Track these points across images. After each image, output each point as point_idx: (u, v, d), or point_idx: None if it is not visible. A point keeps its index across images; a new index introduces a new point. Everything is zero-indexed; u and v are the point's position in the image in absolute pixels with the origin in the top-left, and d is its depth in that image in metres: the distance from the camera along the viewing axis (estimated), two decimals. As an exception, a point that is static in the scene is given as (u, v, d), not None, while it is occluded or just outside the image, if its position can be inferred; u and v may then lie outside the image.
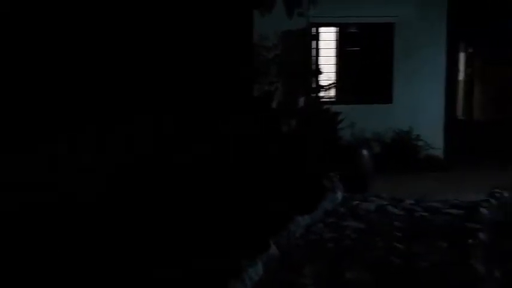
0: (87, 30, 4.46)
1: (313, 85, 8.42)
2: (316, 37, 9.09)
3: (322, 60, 9.22)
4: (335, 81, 9.22)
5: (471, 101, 15.47)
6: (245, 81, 5.64)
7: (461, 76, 15.93)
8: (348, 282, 3.81)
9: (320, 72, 8.59)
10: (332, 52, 9.42)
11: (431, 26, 9.19)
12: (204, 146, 4.60)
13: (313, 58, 9.07)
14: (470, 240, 4.25)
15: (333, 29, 9.33)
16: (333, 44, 9.40)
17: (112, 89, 4.71)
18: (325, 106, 7.81)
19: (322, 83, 9.04)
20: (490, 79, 14.13)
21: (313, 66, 8.88)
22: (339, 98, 9.35)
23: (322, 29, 9.23)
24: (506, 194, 5.81)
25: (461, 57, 15.83)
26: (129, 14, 4.76)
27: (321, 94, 8.89)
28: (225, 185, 4.45)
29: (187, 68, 5.19)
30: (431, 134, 9.09)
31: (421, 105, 9.16)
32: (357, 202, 6.20)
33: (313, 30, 9.00)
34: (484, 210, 5.18)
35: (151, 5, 5.01)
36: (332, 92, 9.31)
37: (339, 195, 6.30)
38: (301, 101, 7.16)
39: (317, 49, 9.10)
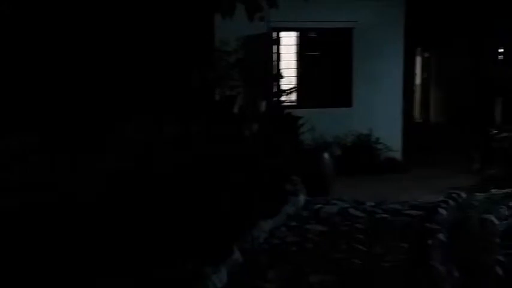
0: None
1: (275, 89, 8.46)
2: (277, 42, 9.14)
3: (283, 65, 9.28)
4: (296, 85, 9.29)
5: (427, 104, 15.92)
6: (206, 86, 5.62)
7: (418, 80, 16.40)
8: (312, 285, 3.82)
9: (281, 77, 8.64)
10: (293, 57, 9.50)
11: (389, 31, 9.39)
12: (164, 151, 4.54)
13: (275, 62, 9.11)
14: (429, 241, 4.33)
15: (293, 34, 9.40)
16: (294, 49, 9.47)
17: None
18: (287, 110, 7.85)
19: (284, 87, 9.11)
20: (444, 83, 14.56)
21: (275, 71, 8.92)
22: (300, 102, 9.42)
23: (283, 34, 9.29)
24: (463, 195, 5.97)
25: (418, 61, 16.30)
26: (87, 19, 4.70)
27: (283, 98, 8.94)
28: (187, 191, 4.39)
29: (147, 73, 5.13)
30: (390, 136, 9.27)
31: (380, 108, 9.33)
32: (320, 205, 6.23)
33: (274, 34, 9.05)
34: (442, 211, 5.30)
35: (110, 10, 4.95)
36: (293, 96, 9.38)
37: (302, 198, 6.32)
38: (263, 105, 7.16)
39: (278, 53, 9.15)
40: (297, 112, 7.88)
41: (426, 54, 16.04)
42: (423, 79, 16.29)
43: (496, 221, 5.37)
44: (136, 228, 3.89)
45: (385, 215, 5.76)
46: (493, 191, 6.47)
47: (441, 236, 4.54)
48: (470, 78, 12.58)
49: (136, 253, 3.65)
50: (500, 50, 12.44)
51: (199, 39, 5.45)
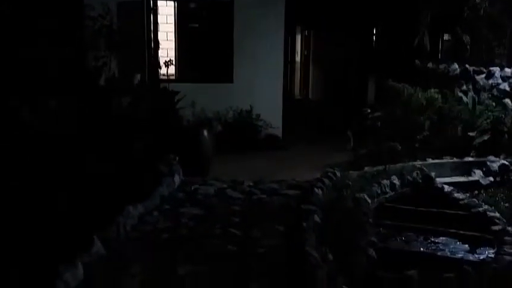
0: None
1: (151, 62, 7.91)
2: (154, 11, 8.54)
3: (160, 36, 8.73)
4: (175, 58, 8.81)
5: (307, 81, 16.26)
6: (65, 56, 4.97)
7: (298, 58, 16.66)
8: (179, 278, 3.50)
9: (158, 48, 8.10)
10: (171, 28, 8.98)
11: (270, 7, 9.21)
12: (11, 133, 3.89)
13: (151, 33, 8.53)
14: (304, 224, 4.21)
15: (171, 3, 8.86)
16: (172, 19, 8.96)
17: None
18: (164, 84, 7.36)
19: (161, 60, 8.58)
20: (323, 61, 14.91)
21: (151, 42, 8.35)
22: (180, 76, 8.99)
23: (160, 3, 8.71)
24: (338, 174, 5.99)
25: (299, 39, 16.53)
26: None
27: (160, 71, 8.42)
28: (39, 174, 3.81)
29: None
30: (271, 113, 9.20)
31: (261, 85, 9.20)
32: (196, 186, 5.92)
33: (151, 3, 8.44)
34: (318, 191, 5.24)
35: None
36: (172, 70, 8.90)
37: (177, 179, 5.96)
38: (137, 78, 6.60)
39: (155, 23, 8.56)
40: (177, 86, 7.43)
41: (306, 33, 16.30)
42: (303, 57, 16.58)
43: (369, 200, 5.45)
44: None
45: (263, 196, 5.60)
46: (366, 168, 6.60)
47: (316, 218, 4.46)
48: (345, 58, 12.97)
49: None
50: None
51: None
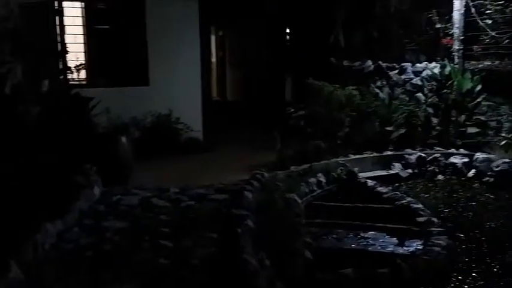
0: None
1: (60, 67, 7.39)
2: (60, 12, 7.99)
3: (69, 39, 8.19)
4: (85, 62, 8.31)
5: (224, 82, 16.15)
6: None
7: (213, 58, 16.50)
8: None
9: (66, 52, 7.57)
10: (80, 30, 8.46)
11: (184, 6, 8.98)
12: None
13: (58, 36, 7.97)
14: (239, 230, 4.06)
15: (78, 4, 8.34)
16: (81, 21, 8.44)
17: None
18: (75, 90, 6.89)
19: (71, 64, 8.05)
20: (239, 62, 14.86)
21: (59, 45, 7.80)
22: (92, 81, 8.50)
23: (66, 3, 8.16)
24: (266, 175, 5.90)
25: (213, 40, 16.38)
26: None
27: (70, 76, 7.89)
28: None
29: None
30: (191, 116, 8.96)
31: (178, 87, 8.93)
32: (118, 197, 5.58)
33: (56, 4, 7.89)
34: (248, 194, 5.11)
35: None
36: (82, 75, 8.39)
37: (97, 190, 5.59)
38: (46, 84, 6.11)
39: (62, 26, 8.01)
40: (90, 92, 6.97)
41: (220, 33, 16.18)
42: (219, 58, 16.44)
43: (299, 200, 5.41)
44: None
45: (191, 202, 5.39)
46: (292, 168, 6.58)
47: (249, 223, 4.32)
48: (261, 57, 12.97)
49: None
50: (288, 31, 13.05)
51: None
